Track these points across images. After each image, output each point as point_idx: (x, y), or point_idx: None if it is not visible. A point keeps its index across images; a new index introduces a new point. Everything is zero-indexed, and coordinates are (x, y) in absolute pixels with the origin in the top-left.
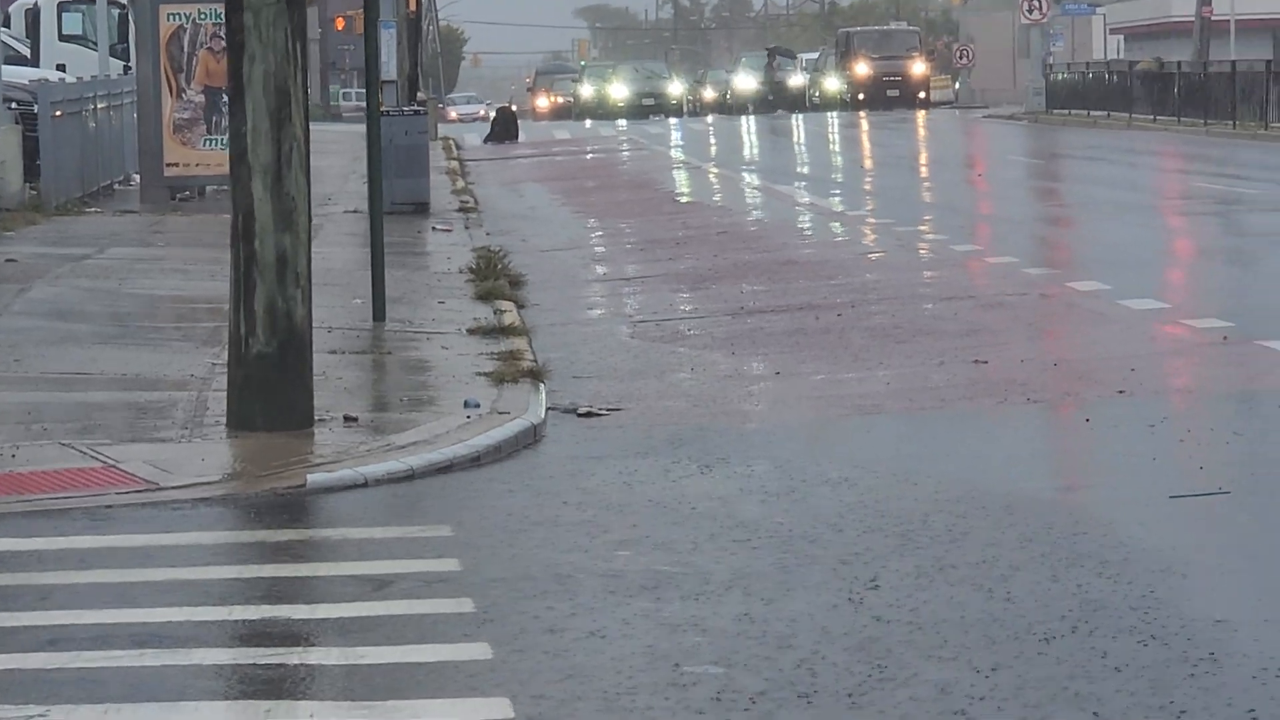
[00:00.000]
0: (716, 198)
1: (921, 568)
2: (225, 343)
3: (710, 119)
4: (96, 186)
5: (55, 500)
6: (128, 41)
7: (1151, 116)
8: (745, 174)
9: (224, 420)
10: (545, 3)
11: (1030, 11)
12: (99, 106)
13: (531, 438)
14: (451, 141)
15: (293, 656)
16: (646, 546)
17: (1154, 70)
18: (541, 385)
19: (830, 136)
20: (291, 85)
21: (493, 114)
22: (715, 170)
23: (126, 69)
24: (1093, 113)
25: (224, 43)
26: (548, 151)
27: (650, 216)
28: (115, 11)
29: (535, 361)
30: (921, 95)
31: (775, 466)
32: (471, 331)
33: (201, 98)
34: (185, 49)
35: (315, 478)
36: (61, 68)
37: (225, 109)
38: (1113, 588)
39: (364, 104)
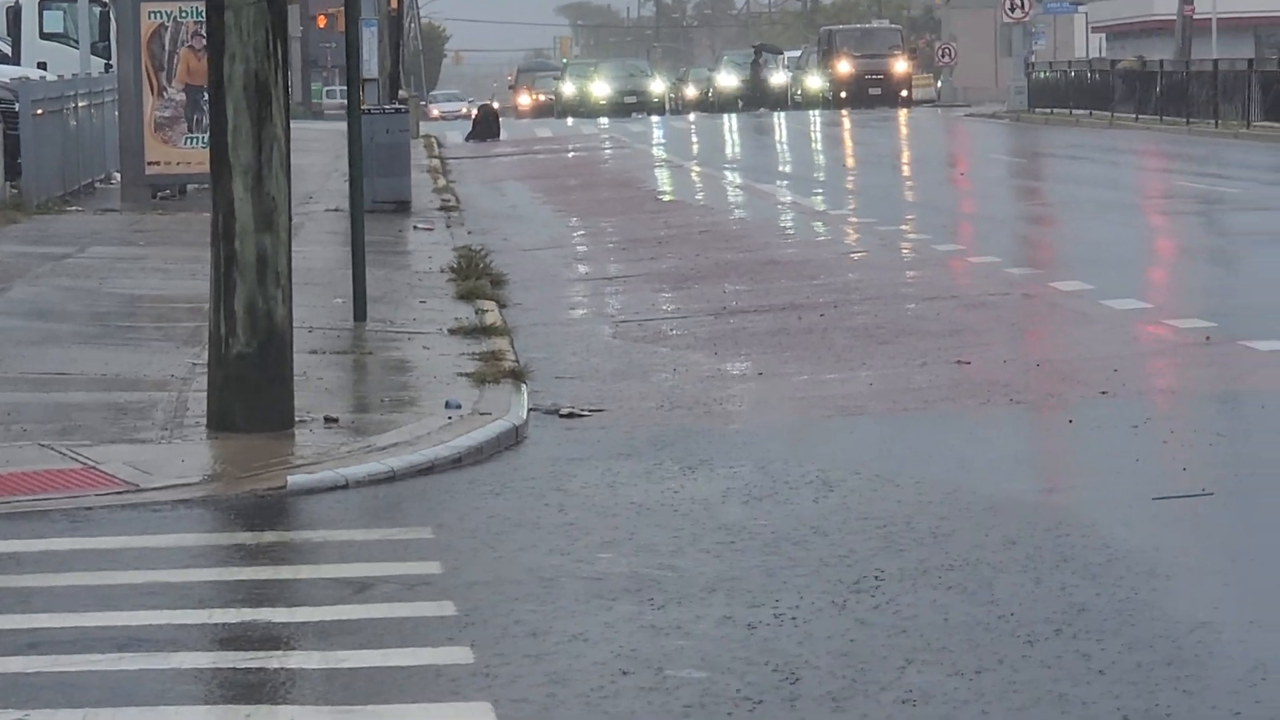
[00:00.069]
0: (699, 196)
1: (905, 570)
2: (205, 343)
3: (692, 117)
4: (78, 185)
5: (34, 502)
6: (109, 39)
7: (1134, 115)
8: (727, 172)
9: (204, 421)
10: (527, 0)
11: (1012, 10)
12: (80, 105)
13: (513, 439)
14: (433, 139)
15: (273, 660)
16: (629, 549)
17: (1136, 69)
18: (523, 386)
19: (812, 135)
20: (272, 84)
21: (475, 112)
22: (697, 169)
23: (108, 67)
24: (1075, 111)
25: (205, 41)
26: (529, 149)
27: (632, 215)
28: (96, 9)
29: (517, 362)
30: (903, 93)
31: (758, 468)
32: (453, 331)
33: (183, 96)
34: (166, 47)
35: (296, 479)
36: (43, 66)
37: (206, 107)
38: (1097, 590)
39: (345, 102)
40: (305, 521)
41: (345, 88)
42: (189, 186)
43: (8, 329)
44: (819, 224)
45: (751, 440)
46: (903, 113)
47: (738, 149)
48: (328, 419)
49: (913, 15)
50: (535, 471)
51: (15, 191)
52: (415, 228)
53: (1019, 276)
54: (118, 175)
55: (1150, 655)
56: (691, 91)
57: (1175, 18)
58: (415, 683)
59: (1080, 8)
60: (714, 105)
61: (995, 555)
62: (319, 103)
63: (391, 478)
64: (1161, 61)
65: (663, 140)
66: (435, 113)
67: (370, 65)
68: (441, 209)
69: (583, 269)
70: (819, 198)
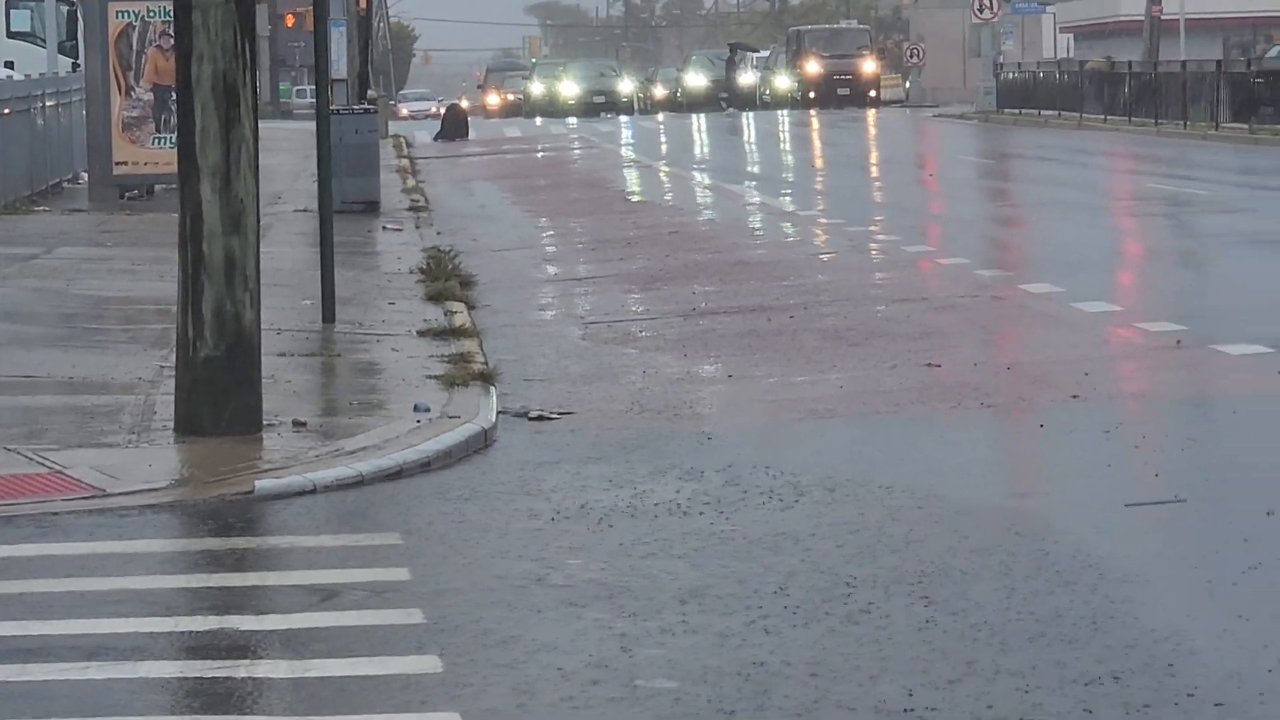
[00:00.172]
0: (667, 197)
1: (877, 578)
2: (173, 345)
3: (661, 117)
4: (45, 185)
5: (1, 507)
6: (76, 39)
7: (1102, 116)
8: (696, 173)
9: (172, 424)
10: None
11: (981, 11)
12: (47, 104)
13: (482, 442)
14: (402, 139)
15: (240, 669)
16: (599, 555)
17: (1105, 70)
18: (492, 389)
19: (781, 135)
20: (240, 86)
21: (444, 111)
22: (666, 169)
23: (75, 66)
24: (1043, 112)
25: (173, 40)
26: (498, 149)
27: (601, 216)
28: (64, 9)
29: (486, 364)
30: (872, 94)
31: (729, 472)
32: (422, 333)
33: (150, 96)
34: (134, 47)
35: (263, 484)
36: (9, 65)
37: (174, 107)
38: (1070, 598)
39: (314, 101)
40: (273, 527)
41: (314, 87)
42: (157, 187)
43: None
44: (788, 225)
45: (722, 444)
46: (871, 113)
47: (706, 149)
48: (296, 423)
49: (881, 15)
50: (504, 476)
51: None
52: (384, 228)
53: (988, 278)
54: (85, 175)
55: (1124, 664)
56: (660, 91)
57: (1143, 18)
58: (383, 692)
59: (1048, 8)
60: (682, 105)
61: (967, 562)
62: (287, 102)
63: (360, 482)
64: (1130, 63)
65: (631, 140)
66: (405, 112)
67: (339, 65)
68: (410, 209)
69: (552, 270)
70: (788, 198)
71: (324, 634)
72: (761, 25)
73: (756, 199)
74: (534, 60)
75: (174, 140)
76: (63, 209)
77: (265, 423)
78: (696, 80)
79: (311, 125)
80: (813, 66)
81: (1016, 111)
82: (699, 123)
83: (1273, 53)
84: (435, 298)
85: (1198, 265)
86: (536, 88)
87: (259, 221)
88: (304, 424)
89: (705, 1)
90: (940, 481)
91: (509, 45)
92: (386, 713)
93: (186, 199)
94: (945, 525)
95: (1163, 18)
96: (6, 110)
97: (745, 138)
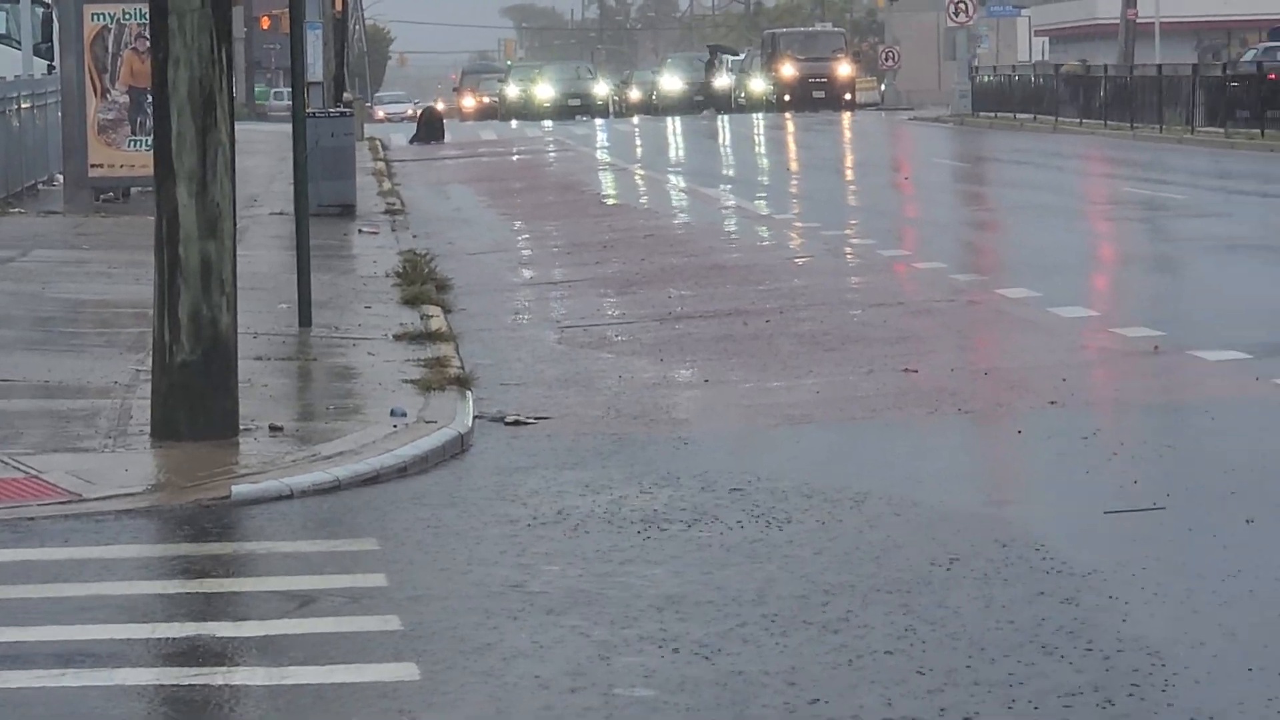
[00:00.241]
0: (643, 200)
1: (856, 586)
2: (149, 349)
3: (636, 120)
4: (20, 187)
5: None
6: (52, 41)
7: (1078, 120)
8: (671, 176)
9: (148, 429)
10: (471, 2)
11: (957, 14)
12: (23, 106)
13: (459, 447)
14: (378, 142)
15: (217, 677)
16: (576, 562)
17: (1080, 73)
18: (468, 393)
19: (756, 138)
20: (217, 91)
21: (419, 114)
22: (641, 172)
23: (51, 68)
24: (1019, 115)
25: (149, 44)
26: (474, 152)
27: (577, 219)
28: (39, 10)
29: (462, 368)
30: (847, 97)
31: (705, 479)
32: (398, 337)
33: (126, 98)
34: (110, 49)
35: (240, 489)
36: None
37: (150, 110)
38: (1050, 607)
39: (290, 104)
40: (250, 532)
41: (287, 90)
42: (132, 189)
43: None
44: (763, 228)
45: (698, 449)
46: (846, 116)
47: (681, 152)
48: (273, 427)
49: (856, 18)
50: (481, 482)
51: None
52: (360, 231)
53: (965, 283)
54: (60, 178)
55: (1105, 675)
56: (635, 94)
57: (1118, 22)
58: (360, 700)
59: (1023, 11)
60: (658, 108)
61: (946, 572)
62: (263, 104)
63: (336, 487)
64: (1105, 66)
65: (606, 143)
66: (381, 114)
67: (315, 68)
68: (386, 212)
69: (528, 273)
70: (763, 202)
71: (301, 641)
72: (737, 28)
73: (732, 202)
74: (509, 63)
75: (149, 143)
76: (38, 211)
77: (242, 427)
78: (672, 83)
79: (287, 127)
80: (788, 69)
81: (992, 114)
82: (674, 126)
83: (1248, 56)
84: (411, 301)
85: (1174, 270)
86: (512, 90)
87: (235, 226)
88: (281, 429)
89: (680, 4)
90: (918, 488)
91: (484, 47)
92: None
93: (163, 203)
94: (923, 533)
95: (1138, 21)
96: None
97: (720, 141)
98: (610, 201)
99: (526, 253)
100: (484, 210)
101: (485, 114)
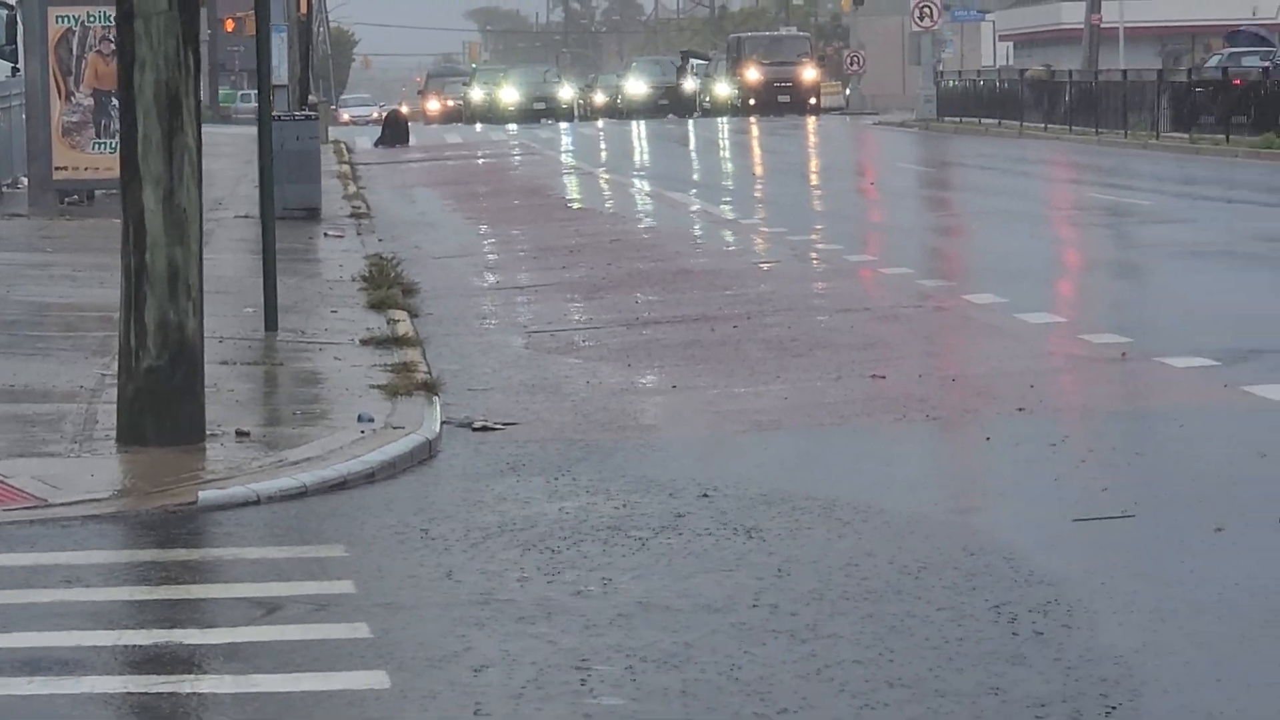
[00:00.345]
0: (608, 204)
1: (824, 593)
2: (115, 353)
3: (601, 124)
4: None
5: None
6: (16, 43)
7: (1043, 125)
8: (636, 180)
9: (114, 434)
10: (435, 4)
11: (921, 19)
12: None
13: (426, 453)
14: (343, 145)
15: (185, 685)
16: (545, 569)
17: (1045, 78)
18: (436, 399)
19: (721, 143)
20: (184, 94)
21: (384, 117)
22: (606, 176)
23: (15, 71)
24: (984, 120)
25: (113, 46)
26: (439, 156)
27: (542, 224)
28: (3, 12)
29: (429, 374)
30: (812, 101)
31: (673, 485)
32: (365, 342)
33: (91, 101)
34: (74, 51)
35: (207, 495)
36: None
37: (115, 112)
38: (1020, 616)
39: (254, 106)
40: (217, 538)
41: (253, 92)
42: (97, 192)
43: None
44: (729, 233)
45: (666, 455)
46: (811, 120)
47: (646, 156)
48: (239, 432)
49: (821, 23)
50: (449, 488)
51: None
52: (325, 235)
53: (931, 288)
54: (25, 180)
55: (1075, 685)
56: (600, 98)
57: (1083, 27)
58: (330, 709)
59: (987, 16)
60: (623, 112)
61: (915, 581)
62: (228, 107)
63: (304, 493)
64: (1070, 71)
65: (571, 147)
66: (346, 117)
67: (280, 71)
68: (352, 216)
69: (494, 278)
70: (728, 206)
71: (269, 648)
72: (701, 32)
73: (698, 207)
74: (474, 66)
75: (114, 146)
76: (2, 214)
77: (208, 432)
78: (637, 87)
79: (252, 130)
80: (753, 74)
81: (957, 119)
82: (639, 129)
83: (1212, 62)
84: (377, 306)
85: (1140, 276)
86: (477, 94)
87: (202, 230)
88: (247, 434)
89: (645, 8)
90: (886, 495)
91: (449, 50)
92: None
93: (129, 208)
94: (892, 541)
95: (1102, 26)
96: None
97: (686, 145)
98: (576, 206)
99: (492, 257)
100: (449, 214)
101: (450, 117)
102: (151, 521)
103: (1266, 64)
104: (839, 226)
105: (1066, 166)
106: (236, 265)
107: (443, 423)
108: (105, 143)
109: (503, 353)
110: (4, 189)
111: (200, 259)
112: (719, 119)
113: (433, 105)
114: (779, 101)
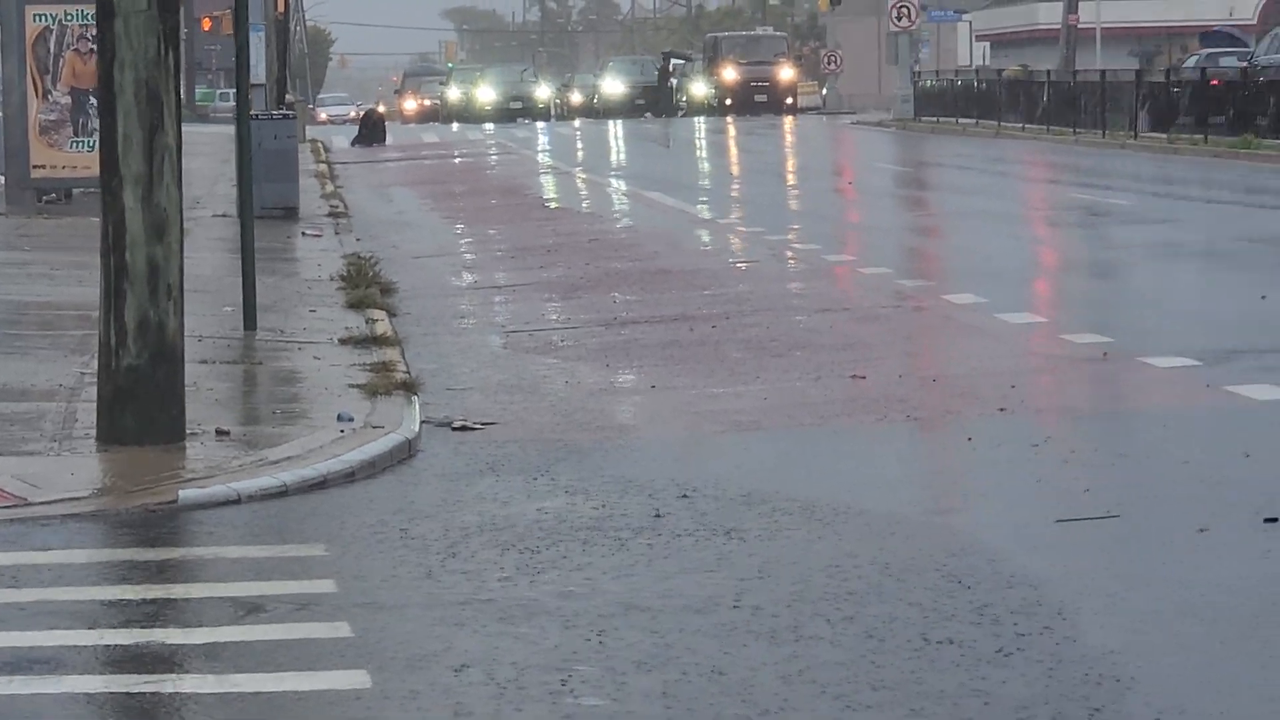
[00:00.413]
0: (585, 204)
1: (804, 595)
2: (94, 352)
3: (578, 123)
4: None
5: None
6: None
7: (1021, 125)
8: (613, 180)
9: (94, 433)
10: (412, 4)
11: (899, 19)
12: None
13: (406, 453)
14: (320, 144)
15: (166, 684)
16: (525, 569)
17: (1023, 78)
18: (415, 398)
19: (698, 142)
20: (164, 93)
21: (362, 116)
22: (583, 176)
23: None
24: (961, 120)
25: (91, 44)
26: (416, 155)
27: (520, 223)
28: None
29: (408, 373)
30: (789, 101)
31: (653, 486)
32: (344, 341)
33: (68, 99)
34: (52, 50)
35: (187, 494)
36: None
37: (92, 111)
38: (1003, 618)
39: (232, 105)
40: (197, 537)
41: (231, 91)
42: (74, 191)
43: None
44: (707, 233)
45: (645, 456)
46: (788, 120)
47: (623, 156)
48: (219, 431)
49: (797, 23)
50: (429, 487)
51: None
52: (303, 234)
53: (911, 288)
54: (2, 179)
55: (1058, 688)
56: (577, 98)
57: (1060, 27)
58: (311, 708)
59: (964, 16)
60: (600, 112)
61: (897, 583)
62: (205, 106)
63: (284, 492)
64: (1049, 71)
65: (548, 146)
66: (323, 116)
67: (258, 70)
68: (330, 215)
69: (472, 278)
70: (706, 206)
71: (251, 648)
72: (678, 31)
73: (675, 206)
74: (450, 65)
75: (92, 144)
76: None
77: (188, 432)
78: (614, 86)
79: (229, 129)
80: (730, 73)
81: (934, 119)
82: (616, 129)
83: (1190, 62)
84: (356, 305)
85: (1120, 276)
86: (453, 93)
87: (182, 230)
88: (227, 433)
89: (622, 7)
90: (867, 496)
91: (425, 49)
92: None
93: (109, 207)
94: (873, 542)
95: (1079, 26)
96: None
97: (663, 145)
98: (553, 205)
99: (470, 256)
100: (427, 213)
101: (427, 116)
102: (132, 520)
103: (1244, 64)
104: (817, 226)
105: (1045, 166)
106: (215, 264)
107: (422, 422)
108: (83, 141)
109: (481, 352)
110: None
111: (181, 258)
112: (696, 119)
113: (410, 104)
114: (756, 101)
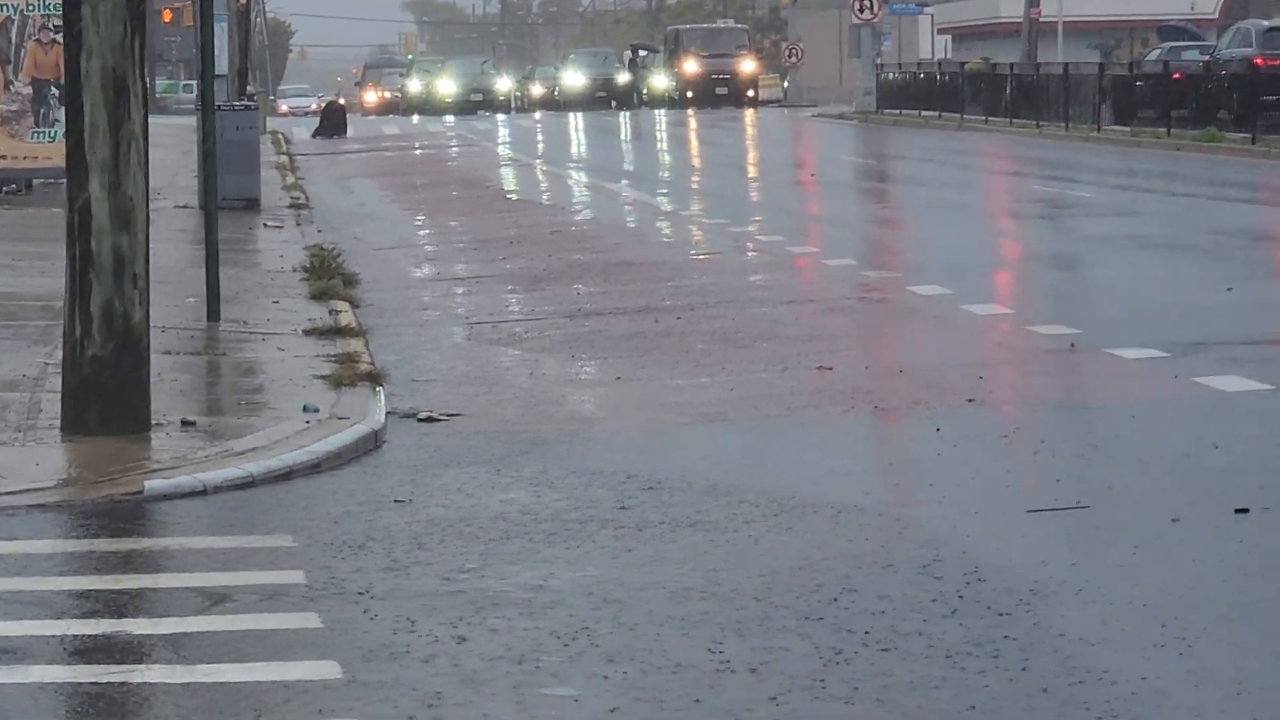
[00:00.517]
0: (546, 196)
1: (774, 588)
2: (58, 343)
3: (538, 116)
4: None
5: None
6: None
7: (984, 118)
8: (574, 171)
9: (58, 423)
10: None
11: (861, 11)
12: None
13: (372, 444)
14: (281, 136)
15: (134, 675)
16: (493, 561)
17: (986, 71)
18: (380, 389)
19: (658, 135)
20: (131, 81)
21: (323, 108)
22: (544, 167)
23: None
24: (924, 113)
25: (52, 34)
26: (377, 147)
27: (481, 215)
28: None
29: (373, 364)
30: (750, 93)
31: (618, 477)
32: (307, 332)
33: (29, 90)
34: (13, 40)
35: (153, 484)
36: None
37: (54, 101)
38: (976, 613)
39: (192, 96)
40: (163, 528)
41: (194, 82)
42: (35, 182)
43: None
44: (669, 225)
45: (610, 447)
46: (750, 113)
47: (584, 148)
48: (185, 422)
49: (759, 15)
50: (394, 478)
51: None
52: (265, 225)
53: (876, 280)
54: None
55: (1036, 682)
56: (538, 90)
57: (1021, 20)
58: (281, 699)
59: (926, 9)
60: (560, 104)
61: (866, 576)
62: (167, 98)
63: (250, 483)
64: (1012, 64)
65: (509, 139)
66: (284, 108)
67: (220, 61)
68: (291, 206)
69: (434, 269)
70: (667, 198)
71: (219, 638)
72: (639, 24)
73: (636, 198)
74: (411, 57)
75: (53, 135)
76: None
77: (153, 422)
78: (575, 79)
79: (190, 120)
80: (691, 66)
81: (896, 112)
82: (577, 121)
83: (1152, 56)
84: (319, 296)
85: (1086, 268)
86: (414, 85)
87: (148, 219)
88: (193, 424)
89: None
90: (835, 488)
91: (385, 41)
92: None
93: (75, 196)
94: (841, 534)
95: (1041, 20)
96: None
97: (622, 136)
98: (514, 197)
99: (432, 248)
100: (388, 205)
101: (387, 109)
102: (97, 511)
103: (1206, 58)
104: (779, 219)
105: (1009, 159)
106: (177, 255)
107: (387, 413)
108: (44, 131)
109: (445, 344)
110: None
111: (147, 248)
112: (657, 111)
113: (370, 97)
114: (717, 94)
